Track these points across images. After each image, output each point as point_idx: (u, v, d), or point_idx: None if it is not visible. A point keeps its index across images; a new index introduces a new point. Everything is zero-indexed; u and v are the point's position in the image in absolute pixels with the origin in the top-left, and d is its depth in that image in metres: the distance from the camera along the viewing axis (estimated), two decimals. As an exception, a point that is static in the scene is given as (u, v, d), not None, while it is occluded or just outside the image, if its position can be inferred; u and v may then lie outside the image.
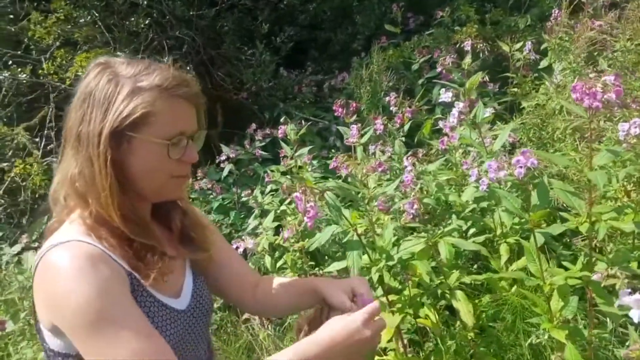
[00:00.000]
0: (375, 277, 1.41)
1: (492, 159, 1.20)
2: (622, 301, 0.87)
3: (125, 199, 0.94)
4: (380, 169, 1.64)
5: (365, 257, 1.50)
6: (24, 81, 3.87)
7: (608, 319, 1.49)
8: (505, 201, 1.20)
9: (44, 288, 0.89)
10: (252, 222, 2.77)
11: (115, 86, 0.93)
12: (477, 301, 1.87)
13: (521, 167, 1.10)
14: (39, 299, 0.91)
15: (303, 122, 3.99)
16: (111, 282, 0.88)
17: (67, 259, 0.87)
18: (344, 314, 1.00)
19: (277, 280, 1.24)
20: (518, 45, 3.22)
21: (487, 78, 2.91)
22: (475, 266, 2.24)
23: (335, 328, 0.93)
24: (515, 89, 3.20)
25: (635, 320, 0.81)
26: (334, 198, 1.24)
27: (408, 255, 1.43)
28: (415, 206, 1.44)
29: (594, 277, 0.89)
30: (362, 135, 2.14)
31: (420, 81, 3.99)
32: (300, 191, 1.19)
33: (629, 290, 0.88)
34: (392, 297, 1.57)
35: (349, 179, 1.78)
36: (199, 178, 3.61)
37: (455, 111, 1.84)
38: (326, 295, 1.08)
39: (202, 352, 1.10)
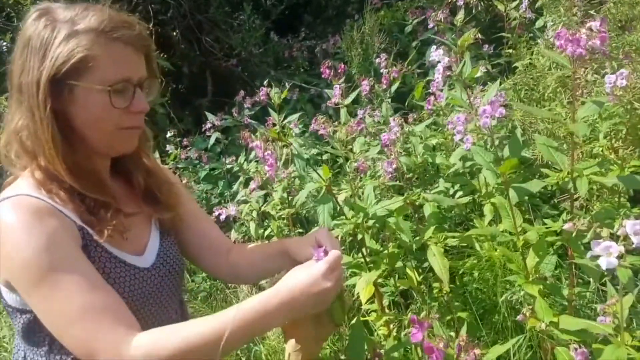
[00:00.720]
0: (342, 232, 1.37)
1: (461, 112, 1.14)
2: (593, 251, 0.83)
3: (72, 152, 0.91)
4: (359, 128, 1.58)
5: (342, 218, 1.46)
6: (4, 49, 3.78)
7: (591, 279, 1.46)
8: (477, 156, 1.15)
9: None
10: (240, 191, 2.73)
11: (51, 31, 0.88)
12: (460, 262, 1.85)
13: (487, 117, 1.04)
14: None
15: (286, 85, 3.90)
16: (58, 235, 0.86)
17: (12, 213, 0.85)
18: None
19: (249, 245, 1.22)
20: (514, 4, 3.12)
21: (480, 36, 2.83)
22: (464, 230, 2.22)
23: (294, 280, 0.90)
24: (511, 50, 3.10)
25: (603, 268, 0.78)
26: (300, 150, 1.19)
27: (385, 213, 1.38)
28: (394, 165, 1.39)
29: (565, 226, 0.85)
30: (346, 97, 2.07)
31: (414, 44, 3.88)
32: (260, 140, 1.15)
33: (601, 240, 0.84)
34: (369, 258, 1.55)
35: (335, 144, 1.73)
36: (185, 147, 3.56)
37: (440, 67, 1.74)
38: (294, 254, 1.05)
39: (172, 312, 1.08)
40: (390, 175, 1.39)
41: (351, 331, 1.05)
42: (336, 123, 1.84)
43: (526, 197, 1.92)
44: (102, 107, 0.90)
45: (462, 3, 2.64)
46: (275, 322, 0.90)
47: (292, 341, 1.01)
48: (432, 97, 2.23)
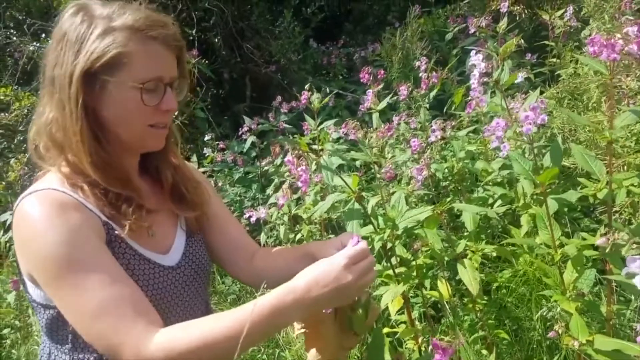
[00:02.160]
0: (377, 246, 1.34)
1: (501, 117, 1.09)
2: (629, 268, 0.78)
3: (99, 147, 0.92)
4: (389, 133, 1.55)
5: (371, 227, 1.43)
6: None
7: (633, 296, 1.38)
8: (515, 163, 1.10)
9: (17, 236, 0.89)
10: (273, 194, 2.74)
11: (88, 27, 0.89)
12: (498, 275, 1.78)
13: (530, 123, 1.00)
14: (15, 247, 0.91)
15: (327, 91, 3.90)
16: (81, 230, 0.86)
17: (37, 207, 0.86)
18: None
19: (274, 249, 1.21)
20: (559, 13, 3.02)
21: (522, 43, 2.75)
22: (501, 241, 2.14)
23: (313, 271, 0.86)
24: (555, 60, 3.00)
25: (639, 287, 0.72)
26: (329, 161, 1.17)
27: (414, 224, 1.34)
28: (424, 172, 1.35)
29: (599, 241, 0.80)
30: (379, 102, 2.05)
31: (454, 51, 3.82)
32: (292, 155, 1.13)
33: (638, 256, 0.79)
34: (399, 270, 1.51)
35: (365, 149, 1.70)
36: (222, 150, 3.61)
37: (476, 72, 1.67)
38: (318, 256, 1.02)
39: (198, 314, 1.08)
40: (419, 183, 1.34)
41: (371, 340, 1.01)
42: (371, 129, 1.82)
43: (565, 209, 1.85)
44: (133, 103, 0.91)
45: (505, 10, 2.56)
46: (293, 316, 0.87)
47: (313, 351, 0.98)
48: (473, 102, 2.18)
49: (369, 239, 1.44)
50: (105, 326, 0.83)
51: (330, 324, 0.98)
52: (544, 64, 3.14)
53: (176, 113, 3.88)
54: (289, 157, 1.20)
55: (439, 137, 1.68)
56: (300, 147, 1.19)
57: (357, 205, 1.29)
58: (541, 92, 2.76)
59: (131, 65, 0.89)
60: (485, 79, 1.78)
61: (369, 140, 1.44)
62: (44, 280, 0.86)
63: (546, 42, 3.05)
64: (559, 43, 2.96)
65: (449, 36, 3.81)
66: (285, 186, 1.19)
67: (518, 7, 3.25)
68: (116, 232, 0.92)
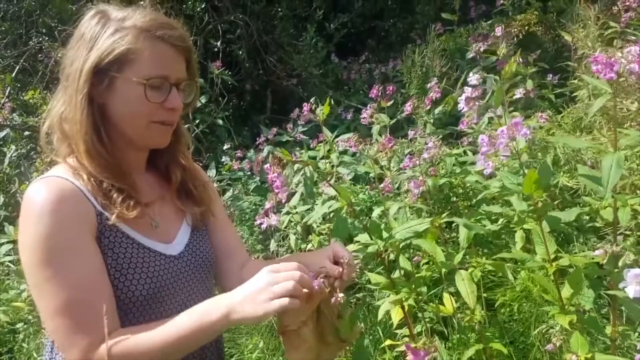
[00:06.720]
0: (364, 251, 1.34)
1: (484, 133, 1.10)
2: (626, 283, 0.78)
3: (97, 138, 0.96)
4: (390, 145, 1.56)
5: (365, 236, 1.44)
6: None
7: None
8: (506, 180, 1.11)
9: (20, 219, 0.93)
10: (285, 203, 2.76)
11: (102, 27, 0.96)
12: (498, 292, 1.77)
13: (504, 138, 1.00)
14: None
15: (343, 106, 3.92)
16: (72, 225, 0.90)
17: (38, 192, 0.90)
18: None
19: (264, 261, 1.24)
20: (582, 34, 3.01)
21: (526, 58, 2.73)
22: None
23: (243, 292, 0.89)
24: (576, 81, 2.99)
25: (631, 296, 0.72)
26: (312, 171, 1.18)
27: (411, 234, 1.34)
28: (422, 187, 1.36)
29: (596, 252, 0.80)
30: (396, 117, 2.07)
31: (474, 70, 3.83)
32: (271, 162, 1.15)
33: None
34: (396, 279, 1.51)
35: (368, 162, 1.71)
36: (239, 159, 3.66)
37: (463, 96, 1.66)
38: (307, 265, 1.03)
39: None
40: (415, 197, 1.35)
41: (355, 350, 1.02)
42: (357, 135, 1.83)
43: (575, 232, 1.83)
44: (138, 99, 0.96)
45: (499, 33, 2.63)
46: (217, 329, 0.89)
47: (297, 354, 0.97)
48: (466, 120, 2.20)
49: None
50: (62, 326, 0.87)
51: (311, 329, 0.97)
52: (565, 85, 3.12)
53: (197, 121, 3.97)
54: (267, 165, 1.21)
55: (432, 154, 1.67)
56: (283, 156, 1.20)
57: (345, 214, 1.30)
58: (559, 113, 2.75)
59: (138, 62, 0.94)
60: (477, 103, 1.76)
61: (367, 152, 1.46)
62: (24, 264, 0.91)
63: (568, 62, 3.04)
64: (581, 65, 2.94)
65: (469, 54, 3.82)
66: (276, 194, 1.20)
67: (540, 28, 3.26)
68: (109, 221, 0.95)
